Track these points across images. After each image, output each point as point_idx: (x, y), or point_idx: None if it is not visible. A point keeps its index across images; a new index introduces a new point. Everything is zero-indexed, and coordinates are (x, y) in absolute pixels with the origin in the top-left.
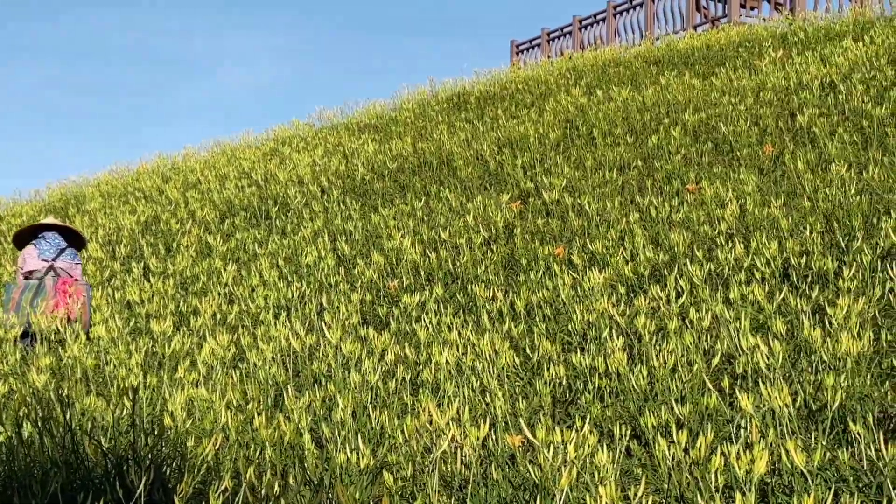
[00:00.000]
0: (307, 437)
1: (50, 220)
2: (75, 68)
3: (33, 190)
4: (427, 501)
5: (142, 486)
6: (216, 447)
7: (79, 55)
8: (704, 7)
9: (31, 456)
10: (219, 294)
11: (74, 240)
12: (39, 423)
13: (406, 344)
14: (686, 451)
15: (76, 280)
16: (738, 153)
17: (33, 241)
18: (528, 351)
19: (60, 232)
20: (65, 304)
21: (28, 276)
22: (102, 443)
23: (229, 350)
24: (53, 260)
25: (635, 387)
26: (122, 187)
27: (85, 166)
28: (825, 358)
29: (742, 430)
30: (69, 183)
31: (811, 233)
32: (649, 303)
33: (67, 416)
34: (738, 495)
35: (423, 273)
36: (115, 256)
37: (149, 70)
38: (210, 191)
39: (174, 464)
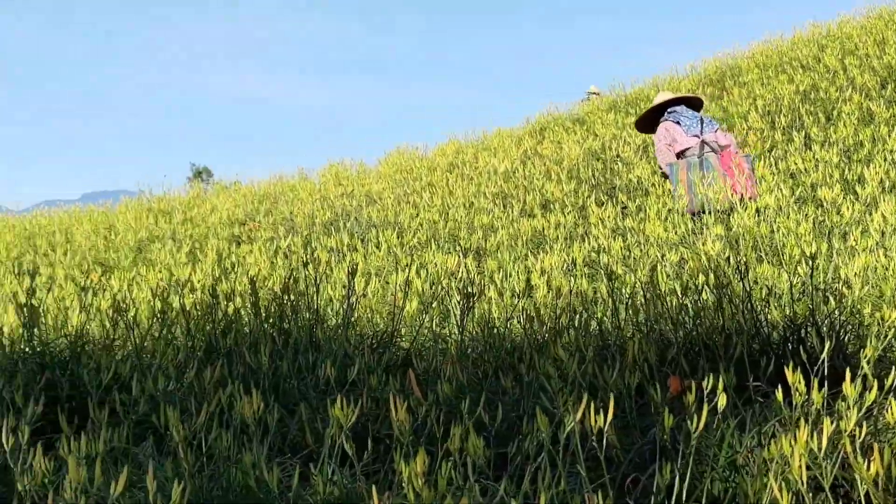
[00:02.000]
0: None
1: (665, 95)
2: None
3: (689, 64)
4: None
5: (825, 352)
6: None
7: None
8: None
9: (709, 320)
10: (884, 160)
11: (695, 105)
12: (715, 290)
13: None
14: None
15: (735, 152)
16: None
17: (668, 119)
18: None
19: (683, 103)
20: (731, 177)
21: (681, 154)
22: (775, 309)
23: None
24: (702, 133)
25: None
26: (776, 57)
27: (736, 39)
28: None
29: None
30: (723, 56)
31: None
32: None
33: (743, 283)
34: None
35: None
36: (774, 126)
37: None
38: (868, 56)
39: (851, 330)
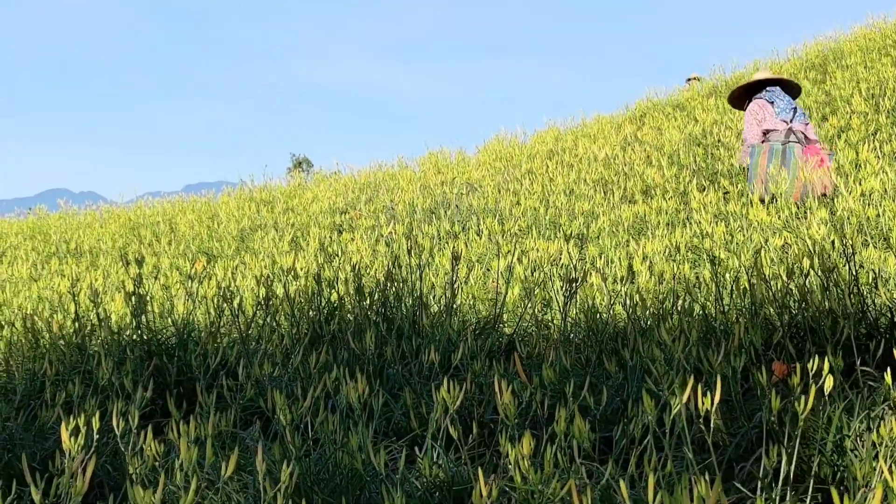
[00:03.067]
0: None
1: (766, 74)
2: None
3: (790, 48)
4: None
5: None
6: None
7: None
8: None
9: (815, 304)
10: None
11: (793, 91)
12: (821, 274)
13: None
14: None
15: (820, 147)
16: None
17: (762, 97)
18: None
19: (781, 87)
20: (811, 170)
21: (766, 134)
22: (883, 293)
23: None
24: (791, 121)
25: None
26: (879, 40)
27: (838, 22)
28: None
29: None
30: (825, 39)
31: None
32: None
33: (849, 267)
34: None
35: None
36: (878, 110)
37: None
38: None
39: None
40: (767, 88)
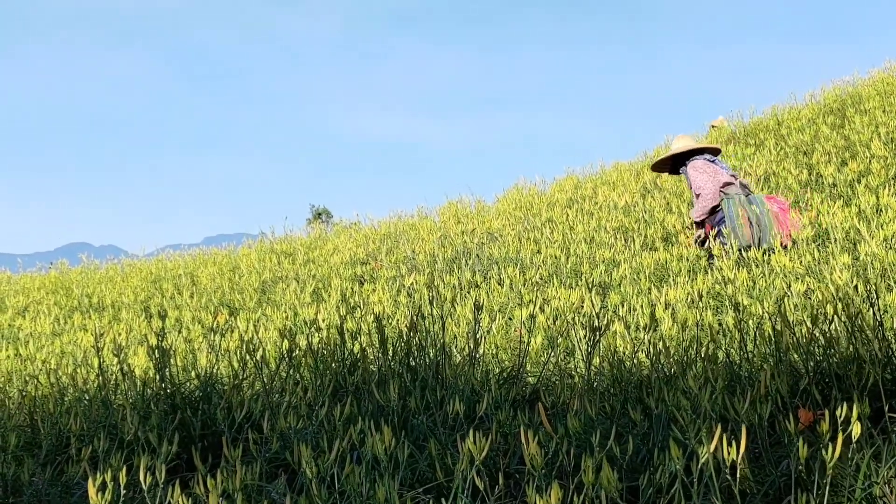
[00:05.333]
0: None
1: (689, 142)
2: None
3: (808, 94)
4: None
5: None
6: None
7: None
8: None
9: (841, 350)
10: None
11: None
12: (846, 320)
13: None
14: None
15: (781, 201)
16: None
17: (699, 158)
18: None
19: (706, 153)
20: (785, 214)
21: (724, 188)
22: None
23: None
24: (736, 178)
25: None
26: None
27: (856, 67)
28: None
29: None
30: (843, 83)
31: None
32: None
33: (874, 312)
34: None
35: None
36: None
37: None
38: None
39: None
40: (704, 156)
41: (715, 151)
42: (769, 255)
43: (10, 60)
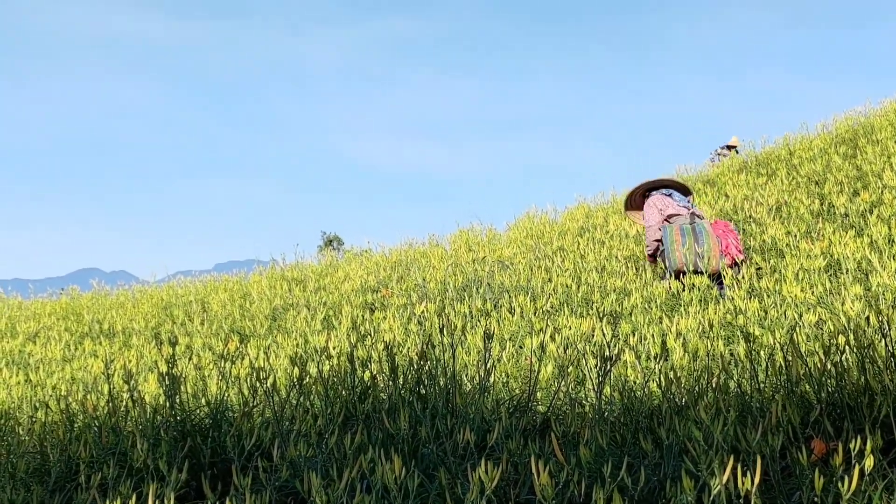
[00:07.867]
0: None
1: (649, 180)
2: None
3: (820, 124)
4: None
5: None
6: None
7: None
8: None
9: (853, 381)
10: None
11: (686, 193)
12: (857, 351)
13: None
14: None
15: (725, 224)
16: None
17: (657, 193)
18: None
19: (674, 188)
20: (725, 240)
21: (669, 219)
22: None
23: None
24: (692, 208)
25: None
26: None
27: (866, 97)
28: None
29: None
30: (855, 113)
31: None
32: None
33: (885, 343)
34: None
35: None
36: None
37: None
38: None
39: None
40: (661, 191)
41: (683, 190)
42: (781, 284)
43: (22, 90)
